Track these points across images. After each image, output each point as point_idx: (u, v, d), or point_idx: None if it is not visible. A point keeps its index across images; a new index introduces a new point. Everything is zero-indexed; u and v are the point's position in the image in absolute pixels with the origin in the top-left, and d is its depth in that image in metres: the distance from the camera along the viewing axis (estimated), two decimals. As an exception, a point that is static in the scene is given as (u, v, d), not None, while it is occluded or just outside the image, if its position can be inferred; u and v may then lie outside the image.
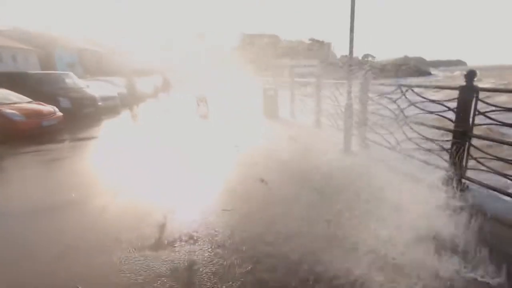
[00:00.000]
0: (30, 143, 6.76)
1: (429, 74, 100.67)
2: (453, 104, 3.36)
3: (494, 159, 3.09)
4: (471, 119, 3.23)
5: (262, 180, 3.87)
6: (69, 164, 5.18)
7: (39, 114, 7.56)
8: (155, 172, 4.52)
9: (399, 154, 4.17)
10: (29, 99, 8.21)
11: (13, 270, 2.28)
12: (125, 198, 3.53)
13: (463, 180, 3.30)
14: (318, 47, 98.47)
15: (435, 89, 7.12)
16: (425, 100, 3.88)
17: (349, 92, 4.88)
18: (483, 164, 3.18)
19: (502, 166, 3.10)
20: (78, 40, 39.97)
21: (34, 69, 31.94)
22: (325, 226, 2.72)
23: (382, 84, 5.09)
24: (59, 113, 8.15)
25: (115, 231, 2.73)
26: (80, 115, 9.67)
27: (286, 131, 7.08)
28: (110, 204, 3.35)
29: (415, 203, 2.93)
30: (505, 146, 3.06)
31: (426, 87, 4.37)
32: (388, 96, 4.51)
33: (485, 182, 3.15)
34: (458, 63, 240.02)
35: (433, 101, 3.78)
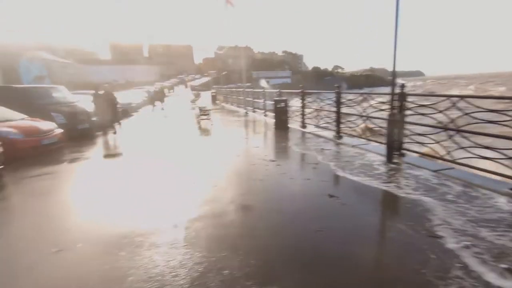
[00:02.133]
0: (31, 164, 6.04)
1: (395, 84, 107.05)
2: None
3: None
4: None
5: (331, 196, 3.68)
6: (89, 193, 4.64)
7: (38, 132, 6.80)
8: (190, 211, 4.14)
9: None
10: (23, 115, 7.41)
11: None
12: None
13: None
14: (291, 59, 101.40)
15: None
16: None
17: (392, 102, 4.88)
18: None
19: None
20: (46, 51, 37.65)
21: (-3, 83, 29.48)
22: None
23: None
24: (59, 130, 7.40)
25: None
26: (75, 132, 8.88)
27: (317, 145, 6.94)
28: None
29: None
30: None
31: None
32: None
33: None
34: (418, 73, 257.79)
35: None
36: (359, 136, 6.51)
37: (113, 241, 2.82)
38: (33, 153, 6.55)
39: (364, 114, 6.34)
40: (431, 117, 4.82)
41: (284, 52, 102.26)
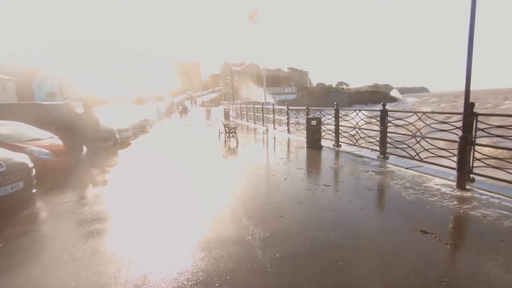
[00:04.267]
0: (64, 186, 5.65)
1: (398, 99, 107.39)
2: None
3: None
4: None
5: (423, 231, 3.19)
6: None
7: (68, 152, 6.44)
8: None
9: None
10: (51, 134, 7.08)
11: None
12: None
13: None
14: (297, 75, 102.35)
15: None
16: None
17: (464, 125, 4.46)
18: None
19: None
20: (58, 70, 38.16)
21: (12, 99, 29.76)
22: None
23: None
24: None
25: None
26: (100, 150, 8.53)
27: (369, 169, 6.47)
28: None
29: None
30: None
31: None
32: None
33: None
34: (422, 89, 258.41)
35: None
36: (412, 157, 6.04)
37: None
38: (62, 173, 6.18)
39: (418, 134, 5.91)
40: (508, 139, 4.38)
41: (290, 68, 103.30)
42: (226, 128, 10.30)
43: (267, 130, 14.49)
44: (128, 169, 7.45)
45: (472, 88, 4.32)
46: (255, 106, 18.84)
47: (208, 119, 21.19)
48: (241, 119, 21.87)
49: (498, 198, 4.11)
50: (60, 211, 4.49)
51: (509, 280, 2.38)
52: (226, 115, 24.79)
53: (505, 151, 4.51)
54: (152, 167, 7.48)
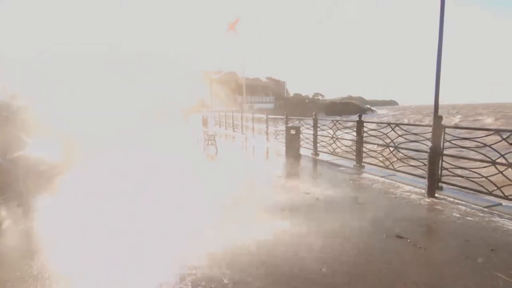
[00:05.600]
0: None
1: (372, 111, 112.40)
2: None
3: None
4: None
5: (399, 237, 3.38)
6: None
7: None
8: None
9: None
10: None
11: None
12: None
13: None
14: (274, 85, 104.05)
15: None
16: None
17: (433, 137, 4.80)
18: None
19: None
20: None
21: None
22: None
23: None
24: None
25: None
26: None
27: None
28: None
29: None
30: None
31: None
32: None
33: None
34: (392, 102, 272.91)
35: None
36: (386, 167, 6.36)
37: None
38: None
39: (391, 144, 6.24)
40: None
41: (268, 78, 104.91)
42: (205, 136, 10.28)
43: (246, 138, 14.59)
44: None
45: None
46: (234, 114, 18.91)
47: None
48: (220, 127, 21.82)
49: (463, 205, 4.44)
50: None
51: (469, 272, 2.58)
52: (204, 122, 24.62)
53: (470, 161, 4.87)
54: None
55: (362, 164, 7.08)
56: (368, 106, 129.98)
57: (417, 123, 21.61)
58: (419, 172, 5.58)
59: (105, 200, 5.06)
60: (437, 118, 4.83)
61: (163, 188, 5.84)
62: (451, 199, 4.70)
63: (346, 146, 7.95)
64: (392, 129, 6.32)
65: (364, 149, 7.09)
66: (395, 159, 6.15)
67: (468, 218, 3.92)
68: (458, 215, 4.01)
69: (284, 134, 9.46)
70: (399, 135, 6.13)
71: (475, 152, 4.75)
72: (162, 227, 3.89)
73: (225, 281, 2.53)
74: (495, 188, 4.37)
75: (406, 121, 53.63)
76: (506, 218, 3.87)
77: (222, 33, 16.27)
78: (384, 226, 3.71)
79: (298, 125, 9.20)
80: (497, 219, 3.87)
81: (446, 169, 5.07)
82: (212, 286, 2.46)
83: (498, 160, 4.36)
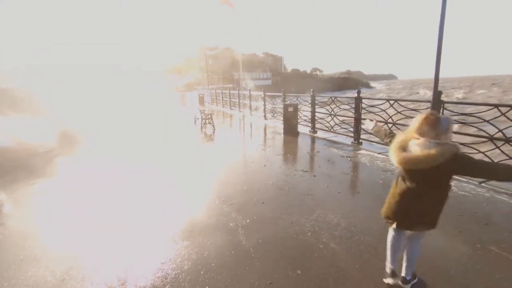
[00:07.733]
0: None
1: (370, 87, 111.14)
2: None
3: None
4: None
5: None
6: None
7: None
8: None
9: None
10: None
11: None
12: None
13: None
14: (271, 60, 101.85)
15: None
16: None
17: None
18: None
19: None
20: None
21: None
22: None
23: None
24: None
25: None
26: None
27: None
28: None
29: None
30: None
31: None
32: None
33: None
34: (391, 77, 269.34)
35: None
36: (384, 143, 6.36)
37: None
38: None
39: (390, 120, 6.20)
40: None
41: (265, 53, 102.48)
42: (202, 115, 10.10)
43: (243, 116, 14.45)
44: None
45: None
46: (231, 91, 18.60)
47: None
48: (217, 105, 21.56)
49: (457, 180, 4.49)
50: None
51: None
52: (201, 100, 24.29)
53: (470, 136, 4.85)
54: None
55: (360, 141, 7.08)
56: (367, 81, 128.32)
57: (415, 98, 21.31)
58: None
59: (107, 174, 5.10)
60: (436, 93, 4.77)
61: (160, 169, 5.86)
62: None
63: (344, 123, 7.91)
64: (391, 106, 6.26)
65: (362, 126, 7.06)
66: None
67: (461, 192, 3.99)
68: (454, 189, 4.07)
69: (282, 112, 9.37)
70: (398, 112, 6.08)
71: (475, 128, 4.72)
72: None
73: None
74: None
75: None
76: (497, 192, 3.94)
77: (217, 6, 15.61)
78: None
79: (295, 103, 9.08)
80: (491, 193, 3.94)
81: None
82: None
83: (496, 136, 4.36)
